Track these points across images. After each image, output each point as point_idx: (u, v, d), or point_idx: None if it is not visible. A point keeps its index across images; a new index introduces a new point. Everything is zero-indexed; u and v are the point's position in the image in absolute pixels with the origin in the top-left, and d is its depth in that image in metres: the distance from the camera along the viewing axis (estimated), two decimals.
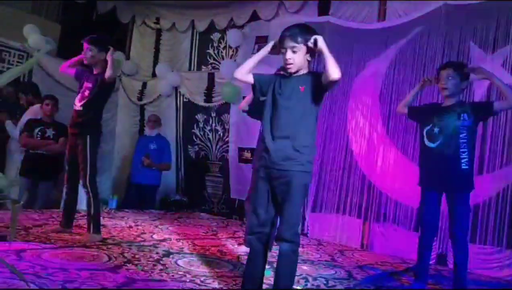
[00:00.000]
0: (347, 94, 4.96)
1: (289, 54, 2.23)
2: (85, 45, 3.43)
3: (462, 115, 2.89)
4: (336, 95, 5.00)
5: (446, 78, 2.94)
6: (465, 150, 2.86)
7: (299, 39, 2.23)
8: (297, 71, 2.29)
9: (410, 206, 4.36)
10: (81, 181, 3.42)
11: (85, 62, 3.45)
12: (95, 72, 3.47)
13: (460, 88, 2.99)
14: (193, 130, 6.26)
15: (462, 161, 2.85)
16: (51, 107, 4.67)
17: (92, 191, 3.35)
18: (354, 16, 5.08)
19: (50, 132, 4.67)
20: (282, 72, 2.44)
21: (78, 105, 3.43)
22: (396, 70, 4.67)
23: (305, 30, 2.28)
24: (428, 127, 3.00)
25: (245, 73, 2.35)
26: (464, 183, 2.89)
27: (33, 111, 4.82)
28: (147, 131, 5.79)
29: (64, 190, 3.66)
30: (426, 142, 3.00)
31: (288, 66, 2.26)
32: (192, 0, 6.11)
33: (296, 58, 2.24)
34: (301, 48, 2.23)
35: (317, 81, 2.23)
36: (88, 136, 3.35)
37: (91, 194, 3.35)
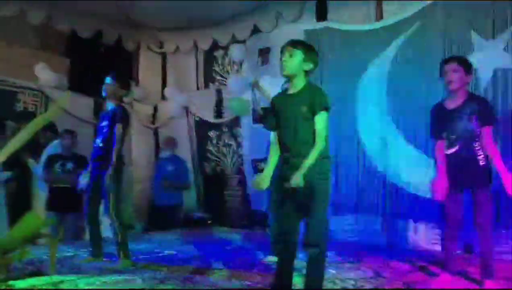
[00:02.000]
0: (354, 96, 5.02)
1: (285, 57, 2.35)
2: (107, 80, 3.62)
3: (472, 117, 2.91)
4: (344, 98, 5.07)
5: (450, 72, 2.96)
6: (479, 147, 2.90)
7: (298, 46, 2.35)
8: (293, 77, 2.37)
9: (429, 200, 4.39)
10: (105, 211, 3.54)
11: (104, 94, 3.62)
12: (110, 107, 3.62)
13: (465, 82, 2.99)
14: (207, 147, 6.38)
15: (479, 158, 2.89)
16: (70, 141, 4.84)
17: (117, 219, 3.47)
18: (352, 18, 5.17)
19: (70, 165, 4.82)
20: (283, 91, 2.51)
21: (98, 142, 3.59)
22: (399, 66, 4.73)
23: (306, 43, 2.45)
24: (444, 134, 3.03)
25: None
26: (484, 179, 2.91)
27: (53, 147, 4.99)
28: (161, 153, 5.92)
29: (86, 220, 3.79)
30: (445, 149, 3.02)
31: (284, 69, 2.37)
32: (192, 21, 6.25)
33: (292, 62, 2.33)
34: (298, 54, 2.33)
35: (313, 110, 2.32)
36: (111, 168, 3.48)
37: (116, 222, 3.47)
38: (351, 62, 5.04)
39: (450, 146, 2.99)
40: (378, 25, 4.95)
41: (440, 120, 3.08)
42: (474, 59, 3.73)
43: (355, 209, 4.94)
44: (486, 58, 4.05)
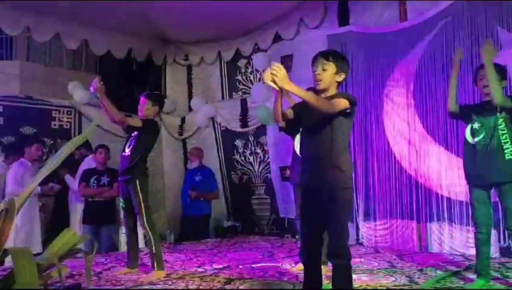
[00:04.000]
0: (381, 98, 4.98)
1: (319, 70, 2.34)
2: (142, 99, 3.75)
3: (502, 111, 2.89)
4: (370, 101, 5.03)
5: (486, 79, 2.92)
6: (508, 140, 2.85)
7: (330, 58, 2.34)
8: (325, 90, 2.38)
9: (462, 201, 4.29)
10: (139, 223, 3.64)
11: (140, 114, 3.73)
12: (140, 122, 3.73)
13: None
14: (233, 157, 6.44)
15: (506, 151, 2.84)
16: (104, 155, 5.01)
17: (150, 230, 3.56)
18: (376, 21, 5.13)
19: (104, 179, 4.99)
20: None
21: (127, 151, 3.69)
22: (426, 67, 4.66)
23: (337, 53, 2.45)
24: (469, 124, 3.04)
25: (280, 120, 2.45)
26: (510, 174, 2.85)
27: (87, 162, 5.18)
28: (189, 164, 6.00)
29: (124, 232, 3.90)
30: (469, 138, 3.01)
31: (317, 82, 2.36)
32: (217, 33, 6.37)
33: (325, 75, 2.33)
34: (331, 67, 2.34)
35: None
36: (137, 181, 3.58)
37: (150, 233, 3.56)
38: (376, 65, 5.00)
39: (472, 135, 2.98)
40: (402, 25, 4.90)
41: (470, 108, 3.14)
42: (501, 56, 3.63)
43: (387, 214, 4.87)
44: None
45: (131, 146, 3.67)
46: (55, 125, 5.96)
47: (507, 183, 2.85)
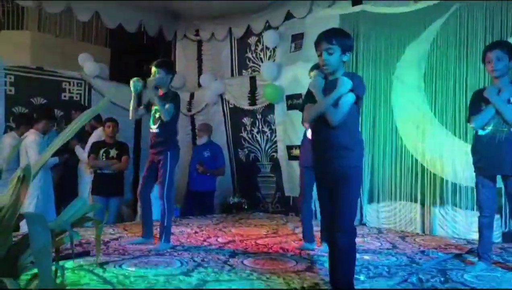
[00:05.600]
0: (390, 80, 4.95)
1: (324, 56, 2.34)
2: (154, 68, 3.71)
3: (510, 98, 2.86)
4: (379, 82, 5.01)
5: (495, 60, 2.89)
6: None
7: (334, 41, 2.33)
8: (334, 73, 2.38)
9: (467, 186, 4.31)
10: (159, 194, 3.71)
11: (152, 84, 3.67)
12: (161, 93, 3.74)
13: (509, 68, 2.93)
14: (241, 134, 6.47)
15: None
16: (112, 129, 5.06)
17: (167, 203, 3.62)
18: (389, 1, 5.05)
19: (113, 152, 5.06)
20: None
21: (154, 128, 3.72)
22: (439, 49, 4.61)
23: (340, 33, 2.41)
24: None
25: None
26: None
27: (97, 135, 5.24)
28: (198, 140, 6.04)
29: (139, 203, 3.95)
30: (478, 130, 2.98)
31: (325, 68, 2.37)
32: (228, 9, 6.31)
33: (332, 59, 2.33)
34: (336, 50, 2.33)
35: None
36: (169, 153, 3.63)
37: (166, 206, 3.62)
38: (388, 46, 4.96)
39: (482, 127, 2.95)
40: (416, 6, 4.82)
41: (477, 102, 3.01)
42: None
43: (392, 196, 4.91)
44: None
45: (158, 122, 3.68)
46: (65, 96, 6.01)
47: None
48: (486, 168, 2.97)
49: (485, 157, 2.95)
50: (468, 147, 3.28)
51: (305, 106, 2.45)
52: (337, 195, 2.31)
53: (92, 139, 5.21)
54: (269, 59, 6.19)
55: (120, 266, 3.07)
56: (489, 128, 2.92)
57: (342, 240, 2.29)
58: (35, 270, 1.57)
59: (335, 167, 2.31)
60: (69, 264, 2.85)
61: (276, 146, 6.05)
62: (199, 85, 6.91)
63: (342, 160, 2.30)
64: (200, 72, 7.02)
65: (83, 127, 5.30)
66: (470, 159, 3.13)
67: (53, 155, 4.92)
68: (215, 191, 5.98)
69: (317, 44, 2.38)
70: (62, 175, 5.50)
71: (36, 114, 4.97)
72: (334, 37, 2.34)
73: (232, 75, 6.68)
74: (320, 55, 2.36)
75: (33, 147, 4.52)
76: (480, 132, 2.96)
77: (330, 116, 2.28)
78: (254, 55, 6.46)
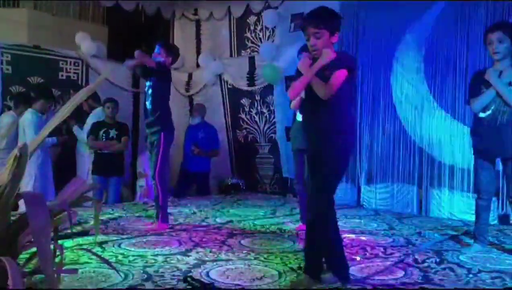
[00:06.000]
0: (390, 62, 4.91)
1: (312, 41, 2.27)
2: (158, 48, 3.72)
3: (511, 80, 2.82)
4: (379, 64, 4.97)
5: (496, 42, 2.82)
6: None
7: (321, 25, 2.25)
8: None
9: (464, 168, 4.32)
10: (151, 174, 3.72)
11: (152, 64, 3.61)
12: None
13: (510, 51, 2.86)
14: (239, 115, 6.45)
15: None
16: (111, 110, 5.04)
17: (160, 184, 3.64)
18: None
19: (113, 133, 5.04)
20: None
21: (148, 104, 3.73)
22: (439, 33, 4.56)
23: (326, 14, 2.30)
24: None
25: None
26: None
27: (95, 115, 5.21)
28: (191, 120, 6.01)
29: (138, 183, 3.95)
30: (478, 112, 2.94)
31: (314, 53, 2.31)
32: None
33: (320, 43, 2.27)
34: (324, 33, 2.26)
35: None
36: (162, 133, 3.63)
37: (159, 186, 3.64)
38: (389, 28, 4.89)
39: (483, 109, 2.90)
40: None
41: (477, 84, 2.96)
42: None
43: (389, 178, 4.93)
44: None
45: (149, 99, 3.68)
46: (62, 76, 5.95)
47: None
48: (486, 151, 2.96)
49: (486, 139, 2.93)
50: (466, 130, 3.29)
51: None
52: (319, 169, 2.31)
53: (91, 119, 5.19)
54: (268, 39, 6.12)
55: (119, 245, 3.10)
56: (489, 111, 2.89)
57: (308, 219, 2.30)
58: (34, 249, 1.58)
59: (326, 151, 2.29)
60: (67, 243, 2.87)
61: (275, 127, 6.03)
62: (198, 65, 6.85)
63: (333, 143, 2.28)
64: (198, 52, 6.94)
65: (81, 107, 5.32)
66: (468, 141, 3.13)
67: (52, 134, 4.94)
68: (209, 172, 5.99)
69: (304, 28, 2.30)
70: (60, 155, 5.49)
71: (34, 93, 4.93)
72: (321, 20, 2.25)
73: (231, 55, 6.61)
74: (308, 40, 2.29)
75: (30, 126, 4.50)
76: (481, 114, 2.93)
77: (317, 87, 2.23)
78: (253, 35, 6.39)
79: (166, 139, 3.66)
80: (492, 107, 2.88)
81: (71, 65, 6.03)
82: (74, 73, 6.04)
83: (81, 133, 5.20)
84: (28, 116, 4.58)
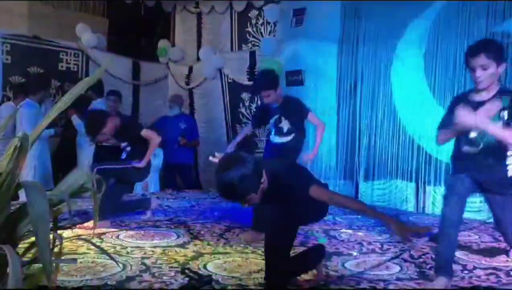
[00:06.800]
0: (390, 58, 4.91)
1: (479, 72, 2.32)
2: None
3: (501, 112, 2.31)
4: (380, 61, 4.97)
5: (479, 69, 2.33)
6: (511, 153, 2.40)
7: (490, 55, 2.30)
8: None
9: None
10: None
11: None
12: None
13: (497, 76, 2.39)
14: (239, 110, 6.45)
15: (508, 167, 2.41)
16: (115, 102, 5.06)
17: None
18: None
19: None
20: None
21: None
22: (440, 28, 4.55)
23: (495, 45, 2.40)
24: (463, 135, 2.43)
25: None
26: (507, 188, 2.48)
27: (96, 106, 5.20)
28: (170, 112, 5.95)
29: None
30: (464, 147, 2.44)
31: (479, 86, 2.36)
32: None
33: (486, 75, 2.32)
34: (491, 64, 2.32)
35: None
36: None
37: None
38: (389, 24, 4.88)
39: (469, 144, 2.42)
40: None
41: (452, 113, 2.37)
42: None
43: (387, 174, 4.94)
44: None
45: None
46: (62, 67, 5.94)
47: (502, 195, 2.52)
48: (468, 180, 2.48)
49: (471, 177, 2.47)
50: None
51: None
52: None
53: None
54: (269, 34, 6.11)
55: (117, 237, 3.12)
56: (478, 149, 2.41)
57: None
58: (33, 239, 1.59)
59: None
60: (67, 233, 2.89)
61: None
62: (198, 59, 6.84)
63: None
64: (199, 45, 6.93)
65: (82, 98, 5.30)
66: None
67: (51, 126, 4.93)
68: (193, 164, 6.04)
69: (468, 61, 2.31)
70: (60, 147, 5.49)
71: (32, 83, 4.92)
72: (491, 50, 2.28)
73: (232, 49, 6.60)
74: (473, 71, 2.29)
75: (28, 117, 4.50)
76: (468, 151, 2.44)
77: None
78: (254, 29, 6.37)
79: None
80: (481, 145, 2.38)
81: (71, 56, 6.02)
82: (74, 64, 6.04)
83: (81, 125, 5.19)
84: (26, 107, 4.58)
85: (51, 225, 2.00)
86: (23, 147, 1.45)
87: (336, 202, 2.16)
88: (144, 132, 3.74)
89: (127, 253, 2.74)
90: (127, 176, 3.70)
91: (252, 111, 6.31)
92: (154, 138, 3.73)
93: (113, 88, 5.24)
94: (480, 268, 2.61)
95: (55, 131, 4.89)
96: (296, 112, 3.72)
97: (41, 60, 5.66)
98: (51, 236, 1.57)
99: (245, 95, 6.35)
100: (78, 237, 2.87)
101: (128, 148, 3.86)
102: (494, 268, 2.60)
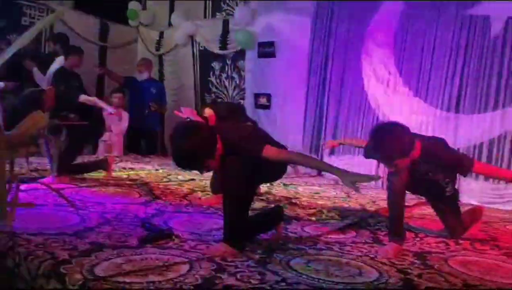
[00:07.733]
0: (362, 37, 4.96)
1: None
2: None
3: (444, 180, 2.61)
4: (351, 38, 5.01)
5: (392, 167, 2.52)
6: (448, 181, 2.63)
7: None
8: None
9: None
10: None
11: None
12: None
13: (411, 160, 2.51)
14: (209, 78, 6.38)
15: (447, 190, 2.64)
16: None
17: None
18: None
19: (74, 82, 4.88)
20: None
21: None
22: (413, 6, 4.61)
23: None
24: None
25: None
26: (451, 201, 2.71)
27: (59, 62, 4.99)
28: (139, 76, 5.89)
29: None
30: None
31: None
32: None
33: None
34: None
35: None
36: None
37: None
38: (362, 3, 4.91)
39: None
40: None
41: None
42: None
43: (352, 150, 5.04)
44: (499, 6, 3.95)
45: None
46: (25, 21, 5.65)
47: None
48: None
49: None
50: (427, 108, 3.32)
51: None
52: None
53: (54, 66, 4.96)
54: (244, 4, 6.03)
55: (76, 193, 3.06)
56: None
57: None
58: None
59: None
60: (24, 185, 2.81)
61: (244, 93, 6.02)
62: (170, 24, 6.67)
63: None
64: (172, 11, 6.75)
65: (44, 51, 5.06)
66: (429, 118, 3.21)
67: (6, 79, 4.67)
68: (158, 131, 6.05)
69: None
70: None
71: None
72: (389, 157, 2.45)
73: (205, 16, 6.48)
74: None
75: None
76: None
77: None
78: None
79: None
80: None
81: (36, 11, 5.73)
82: (38, 19, 5.75)
83: (42, 79, 4.97)
84: None
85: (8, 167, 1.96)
86: None
87: (289, 159, 2.26)
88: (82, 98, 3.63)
89: (86, 207, 2.70)
90: (82, 132, 3.54)
91: (221, 80, 6.27)
92: (92, 99, 3.71)
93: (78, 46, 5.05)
94: (431, 237, 2.74)
95: (5, 85, 4.64)
96: None
97: (4, 12, 5.35)
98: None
99: (215, 64, 6.28)
100: (37, 183, 2.79)
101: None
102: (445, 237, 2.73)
